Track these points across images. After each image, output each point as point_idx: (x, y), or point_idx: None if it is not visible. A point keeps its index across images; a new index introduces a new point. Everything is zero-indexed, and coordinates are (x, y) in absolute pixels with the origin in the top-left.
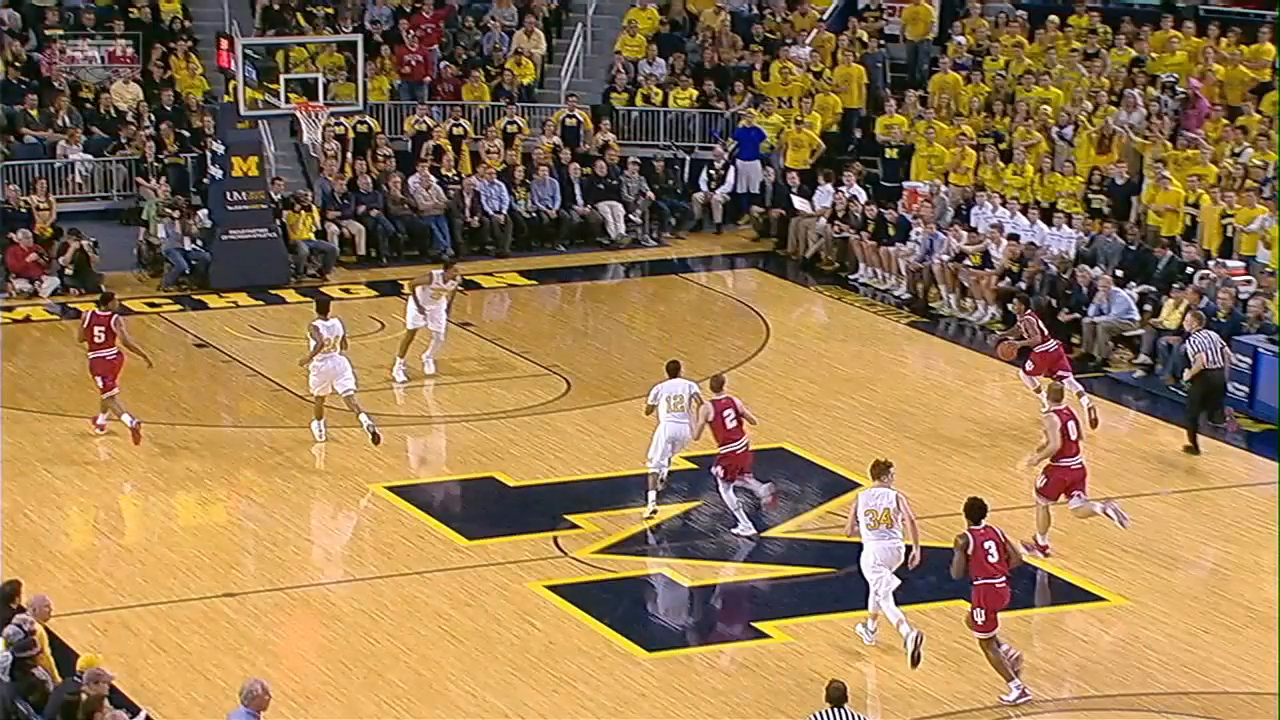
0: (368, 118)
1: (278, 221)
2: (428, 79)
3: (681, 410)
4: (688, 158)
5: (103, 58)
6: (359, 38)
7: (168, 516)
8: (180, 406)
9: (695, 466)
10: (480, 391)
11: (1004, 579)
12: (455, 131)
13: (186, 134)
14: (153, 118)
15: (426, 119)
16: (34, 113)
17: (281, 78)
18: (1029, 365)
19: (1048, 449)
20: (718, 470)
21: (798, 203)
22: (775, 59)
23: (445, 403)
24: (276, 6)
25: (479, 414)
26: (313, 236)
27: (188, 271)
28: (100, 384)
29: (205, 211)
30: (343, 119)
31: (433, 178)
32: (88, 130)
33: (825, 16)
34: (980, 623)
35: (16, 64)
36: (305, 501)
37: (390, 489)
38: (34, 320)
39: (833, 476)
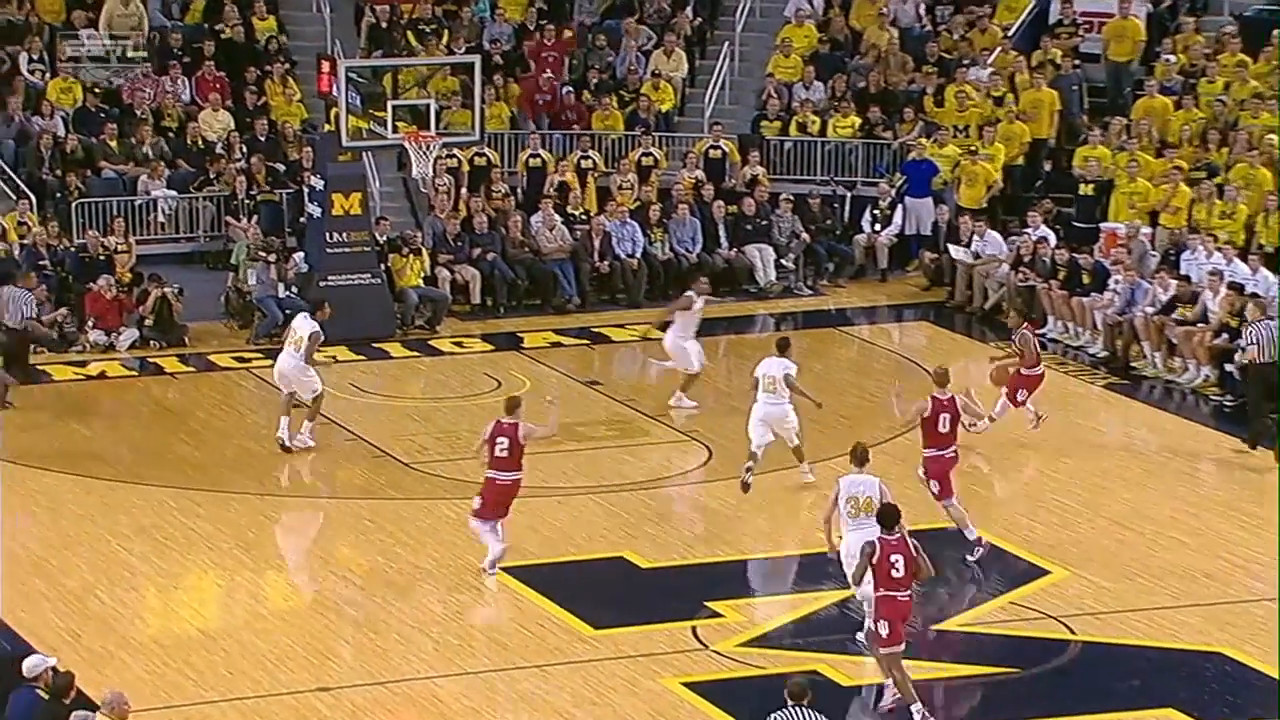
0: (485, 149)
1: (382, 266)
2: (550, 107)
3: (774, 392)
4: (848, 194)
5: (191, 83)
6: (476, 59)
7: (255, 599)
8: (271, 474)
9: None
10: (609, 459)
11: (907, 593)
12: (583, 164)
13: (281, 168)
14: (244, 149)
15: (544, 151)
16: (113, 144)
17: (389, 104)
18: (1020, 394)
19: (911, 415)
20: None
21: (954, 251)
22: (951, 82)
23: (569, 472)
24: (383, 24)
25: (607, 485)
26: (421, 283)
27: (281, 322)
28: None
29: (301, 255)
30: (457, 150)
31: (557, 217)
32: (172, 164)
33: (1011, 33)
34: (884, 636)
35: (95, 90)
36: (409, 583)
37: (506, 569)
38: (110, 377)
39: (1017, 561)
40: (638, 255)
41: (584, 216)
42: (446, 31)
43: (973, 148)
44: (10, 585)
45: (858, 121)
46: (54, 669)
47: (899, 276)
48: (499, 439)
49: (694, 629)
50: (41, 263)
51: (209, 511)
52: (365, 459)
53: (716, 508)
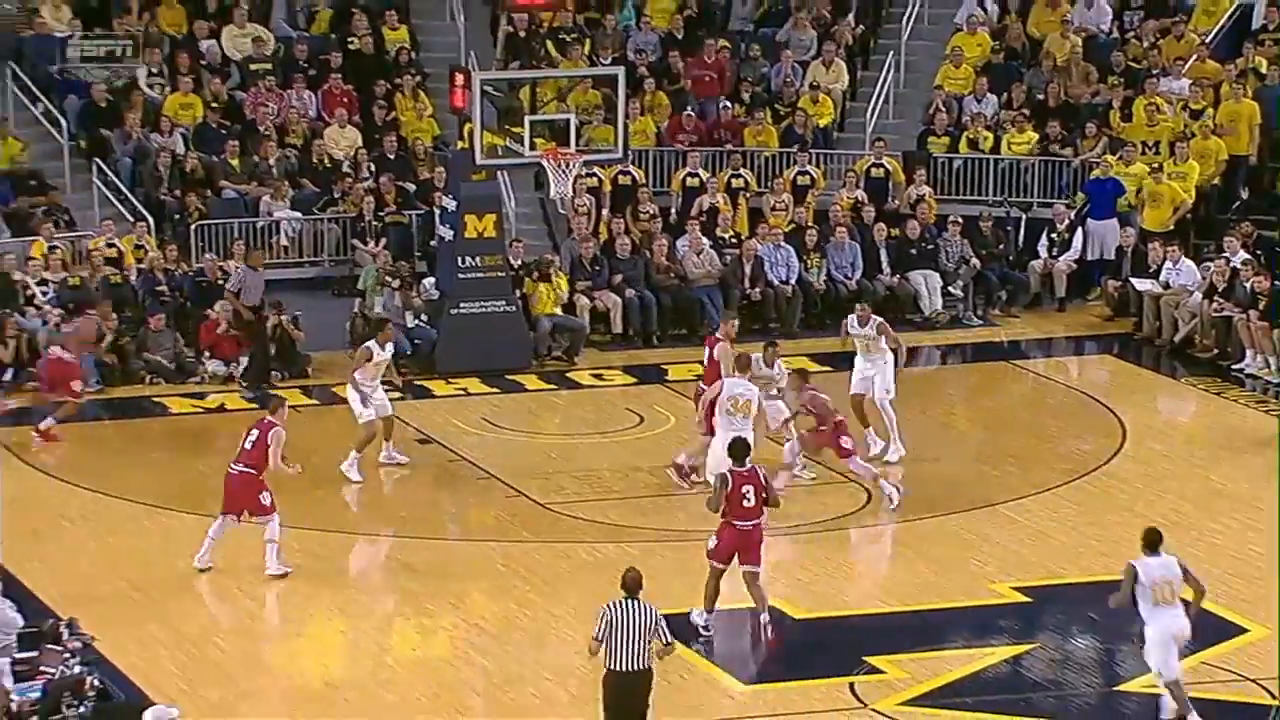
0: (629, 167)
1: (518, 292)
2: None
3: (745, 415)
4: (1024, 216)
5: (317, 97)
6: (620, 70)
7: (380, 648)
8: (398, 514)
9: (1029, 600)
10: None
11: (753, 523)
12: (734, 184)
13: (411, 187)
14: (372, 168)
15: (703, 171)
16: (235, 162)
17: (526, 119)
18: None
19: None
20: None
21: (1139, 284)
22: (1140, 94)
23: (714, 516)
24: (521, 34)
25: None
26: (559, 311)
27: (409, 352)
28: None
29: (431, 280)
30: (598, 169)
31: (705, 240)
32: (296, 183)
33: (1209, 40)
34: (710, 549)
35: (215, 105)
36: (545, 631)
37: None
38: (229, 410)
39: (1207, 618)
40: (792, 282)
41: (734, 240)
42: (589, 41)
43: (1156, 165)
44: (126, 629)
45: (1034, 137)
46: None
47: (1078, 306)
48: (251, 431)
49: (852, 685)
50: (159, 288)
51: (332, 553)
52: (498, 499)
53: (876, 554)
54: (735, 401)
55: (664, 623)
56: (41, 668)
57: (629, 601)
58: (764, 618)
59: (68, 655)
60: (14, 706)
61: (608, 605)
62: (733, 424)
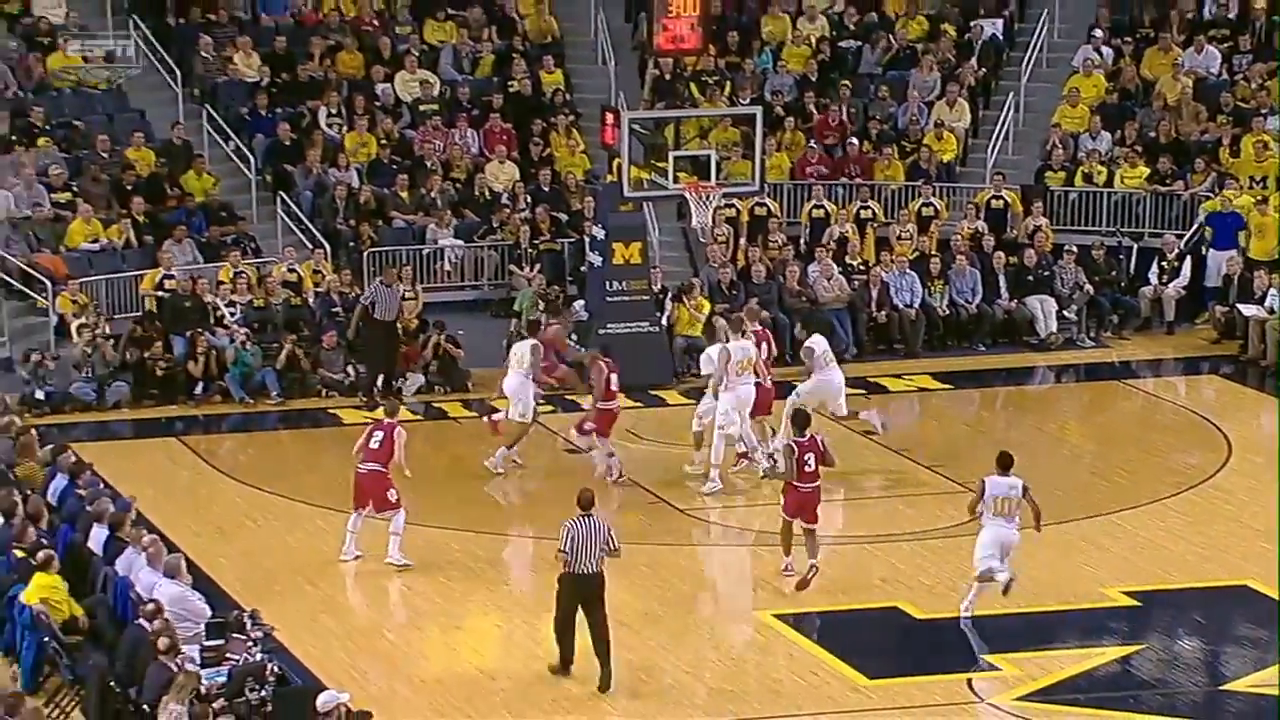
0: (765, 199)
1: (660, 315)
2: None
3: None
4: (1135, 246)
5: (479, 135)
6: (758, 110)
7: (533, 640)
8: (548, 518)
9: (1138, 603)
10: (883, 509)
11: (813, 486)
12: (862, 214)
13: (564, 217)
14: (528, 199)
15: (828, 203)
16: (404, 194)
17: (670, 154)
18: (588, 424)
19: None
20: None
21: (1246, 309)
22: (1249, 131)
23: (843, 521)
24: (667, 76)
25: (881, 535)
26: (699, 332)
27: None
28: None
29: (581, 303)
30: (736, 201)
31: (834, 267)
32: (459, 213)
33: None
34: (782, 505)
35: (387, 142)
36: (682, 627)
37: (778, 617)
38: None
39: None
40: (916, 305)
41: (862, 267)
42: (729, 83)
43: (1262, 198)
44: (302, 621)
45: (1146, 172)
46: (347, 706)
47: (1187, 329)
48: (375, 433)
49: (970, 681)
50: (334, 310)
51: (489, 553)
52: (641, 505)
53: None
54: (742, 364)
55: (613, 533)
56: (227, 654)
57: (584, 517)
58: (813, 562)
59: (251, 644)
60: (203, 689)
61: (568, 522)
62: (745, 381)
